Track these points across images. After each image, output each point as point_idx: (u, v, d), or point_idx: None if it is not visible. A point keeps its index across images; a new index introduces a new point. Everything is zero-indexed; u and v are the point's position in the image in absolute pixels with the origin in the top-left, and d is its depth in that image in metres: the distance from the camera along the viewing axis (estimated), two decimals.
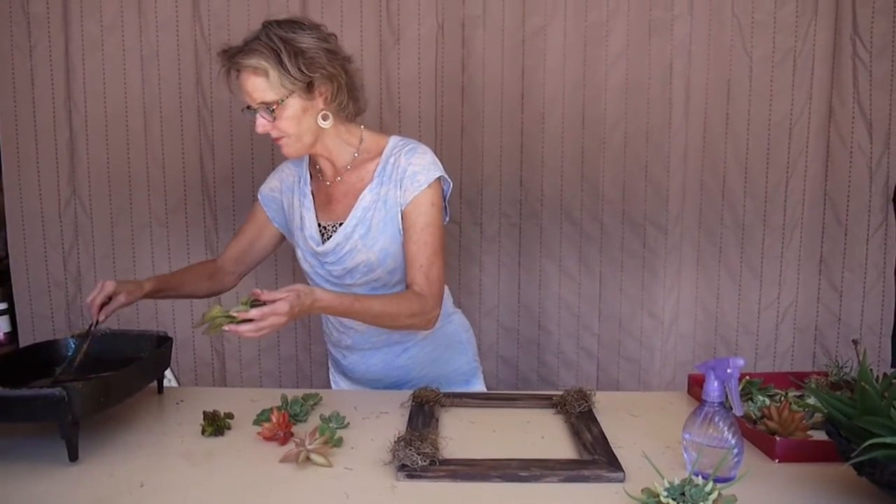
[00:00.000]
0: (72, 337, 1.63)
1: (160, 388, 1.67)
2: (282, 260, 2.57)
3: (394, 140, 1.71)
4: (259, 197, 1.85)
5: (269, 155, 2.50)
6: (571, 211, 2.57)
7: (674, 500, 1.03)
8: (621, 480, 1.21)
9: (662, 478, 1.07)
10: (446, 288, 1.87)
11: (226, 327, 1.37)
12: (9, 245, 2.61)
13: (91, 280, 2.60)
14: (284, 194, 1.80)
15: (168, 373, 1.78)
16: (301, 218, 1.74)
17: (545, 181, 2.56)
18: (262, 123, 1.56)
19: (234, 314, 1.38)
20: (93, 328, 1.57)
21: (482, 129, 2.54)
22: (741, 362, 1.24)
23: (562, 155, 2.54)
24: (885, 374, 1.17)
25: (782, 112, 2.49)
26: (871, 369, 1.15)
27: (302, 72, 1.51)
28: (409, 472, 1.22)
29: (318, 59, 1.53)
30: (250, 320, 1.37)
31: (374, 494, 1.17)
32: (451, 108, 2.53)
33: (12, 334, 2.70)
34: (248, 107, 1.57)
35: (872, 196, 2.50)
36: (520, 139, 2.55)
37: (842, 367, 1.67)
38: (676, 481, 1.06)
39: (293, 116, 1.55)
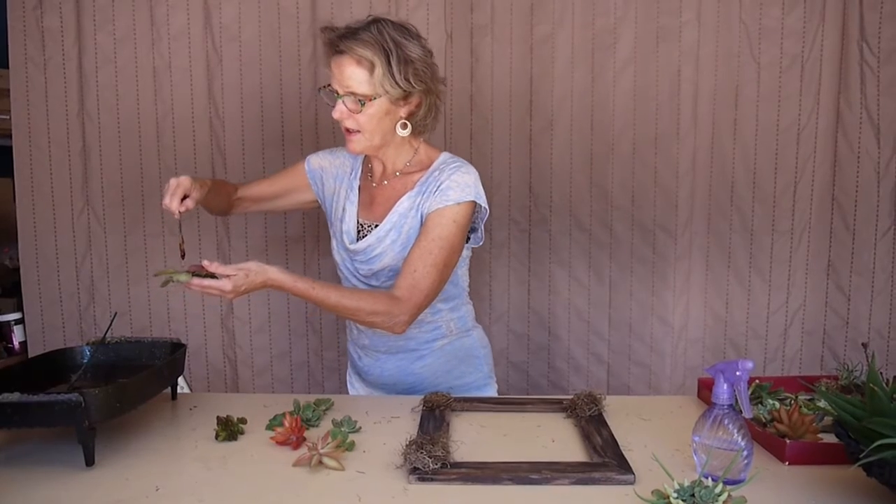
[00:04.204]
0: (87, 345, 1.66)
1: (174, 395, 1.69)
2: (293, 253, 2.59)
3: (444, 155, 1.73)
4: (307, 162, 1.84)
5: (281, 164, 2.52)
6: (581, 217, 2.58)
7: (684, 501, 1.04)
8: (631, 483, 1.21)
9: (672, 479, 1.08)
10: (470, 304, 1.88)
11: (191, 282, 1.48)
12: (20, 255, 2.62)
13: (104, 289, 2.62)
14: (331, 178, 1.82)
15: (180, 380, 1.80)
16: (343, 210, 1.76)
17: (554, 187, 2.57)
18: (342, 110, 1.57)
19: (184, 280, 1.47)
20: (107, 335, 1.59)
21: (491, 136, 2.55)
22: (750, 365, 1.24)
23: (571, 161, 2.56)
24: (894, 377, 1.18)
25: (790, 117, 2.50)
26: (880, 372, 1.16)
27: (407, 80, 1.53)
28: (421, 474, 1.23)
29: (423, 72, 1.56)
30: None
31: (387, 497, 1.18)
32: (459, 116, 2.55)
33: (26, 343, 2.71)
34: (328, 86, 1.58)
35: (880, 200, 2.51)
36: (528, 146, 2.56)
37: (852, 371, 1.68)
38: (686, 483, 1.07)
39: (376, 115, 1.57)
